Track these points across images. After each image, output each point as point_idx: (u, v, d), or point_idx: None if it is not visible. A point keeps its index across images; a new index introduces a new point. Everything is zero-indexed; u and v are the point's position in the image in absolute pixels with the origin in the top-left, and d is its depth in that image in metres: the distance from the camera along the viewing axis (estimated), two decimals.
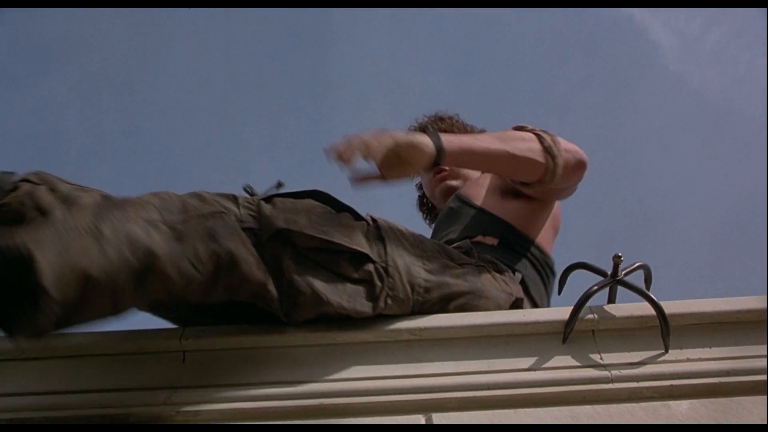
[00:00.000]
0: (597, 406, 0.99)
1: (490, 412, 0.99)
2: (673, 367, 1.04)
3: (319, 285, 1.02)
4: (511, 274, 1.29)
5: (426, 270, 1.13)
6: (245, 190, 1.19)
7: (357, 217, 1.13)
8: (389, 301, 1.07)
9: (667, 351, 1.06)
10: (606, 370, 1.03)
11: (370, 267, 1.07)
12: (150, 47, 5.62)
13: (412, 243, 1.16)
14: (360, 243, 1.07)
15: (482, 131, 1.82)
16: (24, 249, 0.78)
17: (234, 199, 1.05)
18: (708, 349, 1.07)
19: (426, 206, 1.92)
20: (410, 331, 1.08)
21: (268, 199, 1.08)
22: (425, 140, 1.14)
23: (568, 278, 1.22)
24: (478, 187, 1.54)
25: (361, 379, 1.03)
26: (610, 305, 1.12)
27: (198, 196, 1.01)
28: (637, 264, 1.16)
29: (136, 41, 5.50)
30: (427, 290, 1.12)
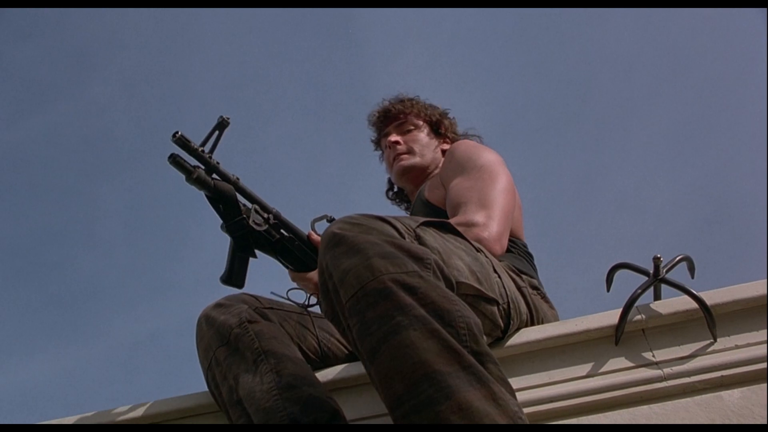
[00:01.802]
0: (653, 405, 1.09)
1: (554, 423, 1.10)
2: (722, 357, 1.11)
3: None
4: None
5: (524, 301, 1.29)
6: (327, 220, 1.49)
7: (477, 249, 1.22)
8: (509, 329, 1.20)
9: (715, 340, 1.13)
10: (658, 368, 1.12)
11: (497, 311, 1.16)
12: (179, 30, 5.70)
13: (513, 279, 1.29)
14: (493, 288, 1.15)
15: (445, 112, 1.86)
16: None
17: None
18: (755, 332, 1.14)
19: (393, 189, 1.95)
20: None
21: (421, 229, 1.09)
22: None
23: (614, 277, 1.29)
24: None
25: None
26: (657, 302, 1.19)
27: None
28: (678, 258, 1.22)
29: (165, 28, 5.58)
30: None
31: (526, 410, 1.09)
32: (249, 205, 1.39)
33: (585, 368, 1.15)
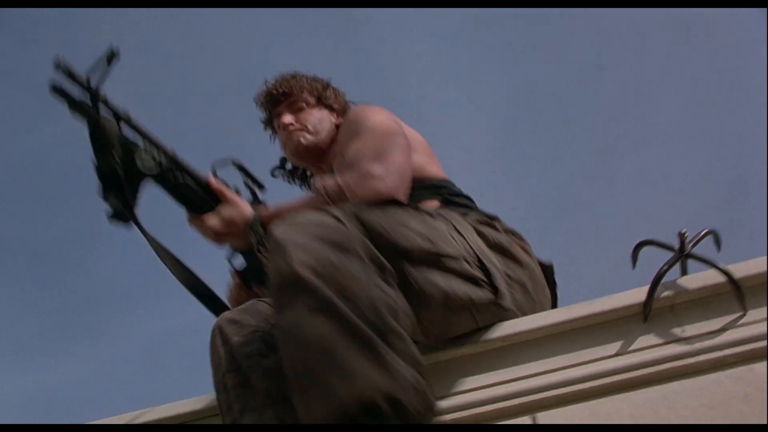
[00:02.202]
0: (685, 381, 1.08)
1: (588, 403, 1.10)
2: (752, 330, 1.10)
3: (442, 282, 1.14)
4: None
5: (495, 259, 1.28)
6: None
7: (431, 215, 1.24)
8: (499, 286, 1.21)
9: (745, 313, 1.12)
10: (689, 343, 1.11)
11: (466, 264, 1.18)
12: (185, 31, 5.71)
13: (482, 234, 1.29)
14: (453, 245, 1.18)
15: (327, 83, 1.83)
16: None
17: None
18: None
19: (287, 169, 1.88)
20: (501, 338, 1.18)
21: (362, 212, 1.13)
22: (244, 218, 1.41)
23: (639, 254, 1.28)
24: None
25: (466, 392, 1.15)
26: (684, 278, 1.18)
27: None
28: (703, 232, 1.21)
29: (171, 28, 5.59)
30: (509, 277, 1.26)
31: (555, 392, 1.11)
32: (141, 143, 1.33)
33: (614, 347, 1.15)
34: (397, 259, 1.09)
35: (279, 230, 1.04)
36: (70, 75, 1.21)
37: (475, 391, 1.15)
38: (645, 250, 1.30)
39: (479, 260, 1.20)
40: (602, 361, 1.13)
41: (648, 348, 1.13)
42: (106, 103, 1.26)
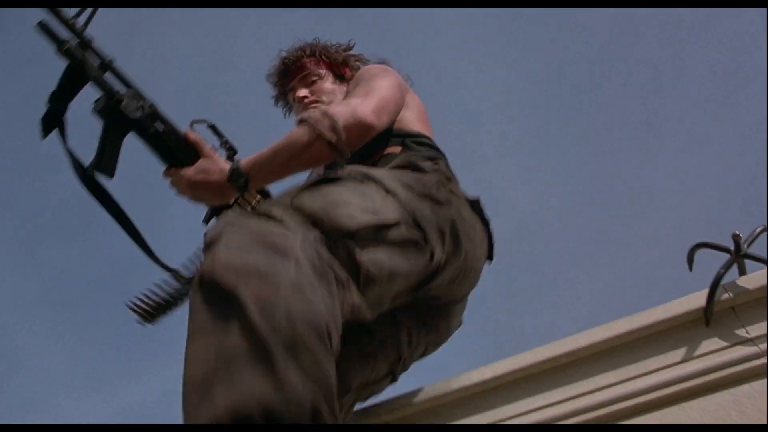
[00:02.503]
0: (754, 383, 1.09)
1: (658, 413, 1.11)
2: None
3: (387, 260, 1.12)
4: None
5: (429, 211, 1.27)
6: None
7: (362, 180, 1.23)
8: (437, 249, 1.21)
9: None
10: (754, 344, 1.11)
11: (404, 228, 1.17)
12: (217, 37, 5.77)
13: (410, 186, 1.28)
14: (390, 209, 1.18)
15: (348, 47, 1.86)
16: None
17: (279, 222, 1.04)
18: None
19: None
20: (565, 354, 1.20)
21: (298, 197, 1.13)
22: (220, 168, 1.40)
23: (695, 257, 1.28)
24: None
25: (534, 410, 1.18)
26: (743, 278, 1.18)
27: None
28: (758, 230, 1.21)
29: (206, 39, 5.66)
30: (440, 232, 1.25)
31: (624, 405, 1.13)
32: (123, 90, 1.35)
33: (679, 354, 1.16)
34: (345, 241, 1.07)
35: (218, 225, 1.02)
36: (58, 16, 1.23)
37: (542, 410, 1.17)
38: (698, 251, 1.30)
39: (415, 219, 1.20)
40: (668, 369, 1.14)
41: (713, 352, 1.14)
42: (90, 46, 1.28)
